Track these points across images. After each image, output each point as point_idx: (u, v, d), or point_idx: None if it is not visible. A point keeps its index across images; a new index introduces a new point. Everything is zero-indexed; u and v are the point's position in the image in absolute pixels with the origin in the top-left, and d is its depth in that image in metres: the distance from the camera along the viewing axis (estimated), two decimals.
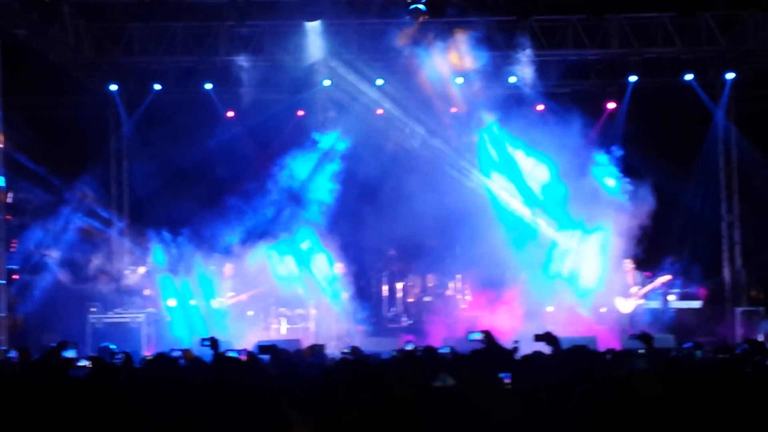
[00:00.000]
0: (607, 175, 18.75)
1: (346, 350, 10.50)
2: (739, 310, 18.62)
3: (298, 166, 19.61)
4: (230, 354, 9.06)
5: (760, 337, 16.39)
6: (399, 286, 20.02)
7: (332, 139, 19.92)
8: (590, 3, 18.30)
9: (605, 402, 4.38)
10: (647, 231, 17.89)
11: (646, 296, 17.77)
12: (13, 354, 9.64)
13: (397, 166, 19.42)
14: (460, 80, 19.32)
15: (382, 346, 13.74)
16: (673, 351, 11.62)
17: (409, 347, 10.87)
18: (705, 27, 18.73)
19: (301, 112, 20.30)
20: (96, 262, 18.65)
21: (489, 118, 19.38)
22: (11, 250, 17.85)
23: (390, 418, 5.00)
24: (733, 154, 20.18)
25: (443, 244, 19.80)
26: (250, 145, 20.30)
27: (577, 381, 5.52)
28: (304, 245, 18.72)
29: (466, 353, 7.62)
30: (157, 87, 19.85)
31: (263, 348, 8.84)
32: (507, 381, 6.20)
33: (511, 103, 19.32)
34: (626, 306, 17.66)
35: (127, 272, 18.88)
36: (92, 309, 17.57)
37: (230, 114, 20.37)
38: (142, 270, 18.65)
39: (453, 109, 19.92)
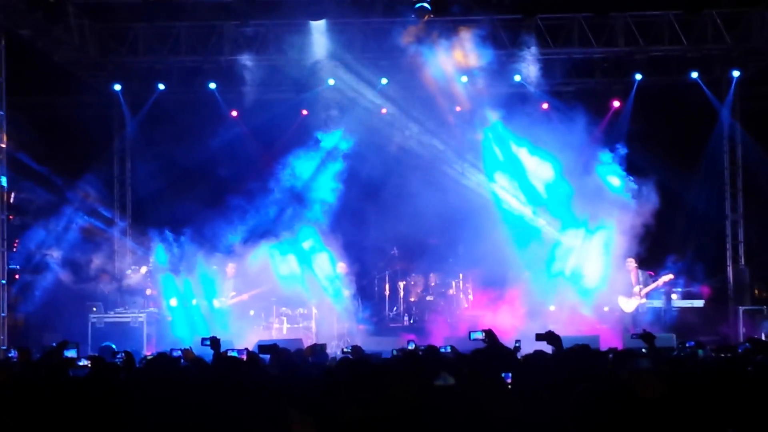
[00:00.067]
0: (611, 174, 18.72)
1: (347, 349, 10.49)
2: (742, 309, 18.57)
3: (301, 166, 19.61)
4: (231, 353, 9.05)
5: (763, 336, 16.36)
6: (401, 285, 20.00)
7: (335, 139, 19.91)
8: (596, 1, 18.29)
9: (605, 401, 4.36)
10: (651, 229, 17.87)
11: (648, 295, 17.74)
12: (13, 353, 9.63)
13: (400, 165, 19.42)
14: (464, 79, 19.30)
15: (384, 346, 13.73)
16: (675, 350, 11.58)
17: (411, 346, 10.84)
18: (711, 25, 18.69)
19: (305, 112, 20.29)
20: (97, 261, 18.67)
21: (493, 116, 19.35)
22: (13, 249, 17.88)
23: (391, 418, 4.98)
24: (738, 152, 20.13)
25: (445, 244, 19.80)
26: (254, 145, 20.30)
27: (578, 380, 5.50)
28: (306, 244, 18.71)
29: (467, 352, 7.59)
30: (161, 87, 19.86)
31: (263, 347, 8.82)
32: (508, 381, 6.18)
33: (516, 102, 19.31)
34: (629, 305, 17.63)
35: (128, 272, 18.90)
36: (93, 309, 17.57)
37: (234, 113, 20.37)
38: (143, 270, 18.65)
39: (458, 108, 19.90)
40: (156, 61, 19.59)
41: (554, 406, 5.31)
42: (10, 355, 9.98)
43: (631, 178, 18.62)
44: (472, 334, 9.16)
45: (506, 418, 5.09)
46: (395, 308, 20.01)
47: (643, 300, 17.66)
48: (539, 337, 8.68)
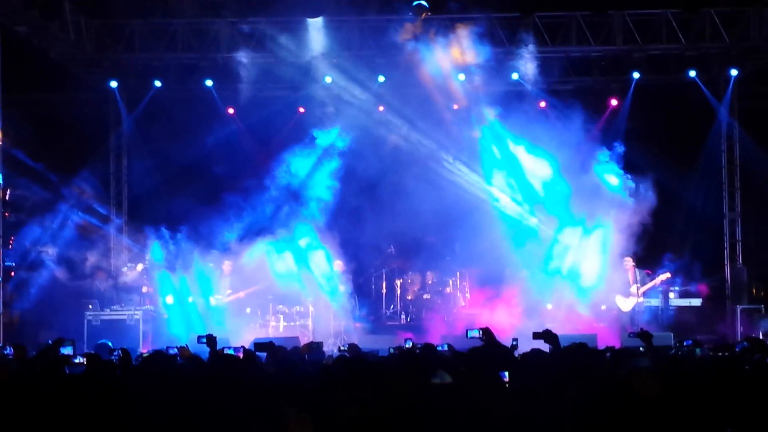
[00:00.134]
0: (609, 172, 18.71)
1: (344, 348, 10.48)
2: (739, 308, 18.57)
3: (297, 163, 19.57)
4: (227, 351, 9.02)
5: (761, 335, 16.35)
6: (398, 283, 19.99)
7: (332, 136, 19.87)
8: None
9: (601, 400, 4.33)
10: (648, 228, 17.86)
11: (646, 294, 17.73)
12: (9, 351, 9.60)
13: (396, 163, 19.39)
14: (462, 77, 19.27)
15: (381, 344, 13.72)
16: (672, 349, 11.57)
17: (408, 345, 10.82)
18: (709, 23, 18.68)
19: (301, 109, 20.26)
20: (93, 259, 18.63)
21: (491, 114, 19.32)
22: (8, 247, 17.83)
23: (388, 416, 4.96)
24: (736, 151, 20.12)
25: (442, 242, 19.79)
26: (250, 142, 20.26)
27: (575, 379, 5.48)
28: (303, 242, 18.68)
29: (464, 351, 7.57)
30: (158, 84, 19.81)
31: (259, 345, 8.79)
32: (505, 379, 6.15)
33: (514, 100, 19.29)
34: (626, 304, 17.63)
35: (124, 269, 18.86)
36: (89, 306, 17.54)
37: (230, 111, 20.33)
38: (140, 267, 18.62)
39: (455, 106, 19.87)
40: (152, 57, 19.55)
41: (551, 404, 5.29)
42: (5, 352, 9.95)
43: (629, 176, 18.60)
44: (469, 332, 9.15)
45: (503, 417, 5.07)
46: (392, 306, 19.98)
47: (641, 299, 17.65)
48: (536, 335, 8.66)
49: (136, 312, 17.46)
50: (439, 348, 9.18)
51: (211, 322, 17.16)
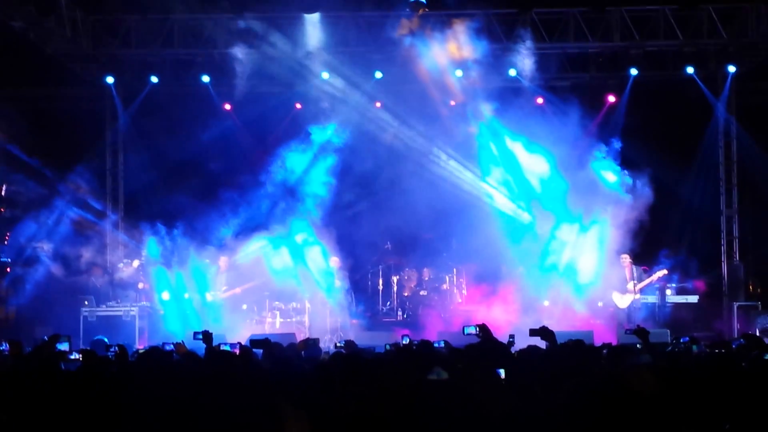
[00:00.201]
0: (606, 169, 18.70)
1: (340, 344, 10.46)
2: (736, 304, 18.59)
3: (293, 159, 19.54)
4: (224, 348, 9.00)
5: (758, 332, 16.37)
6: (394, 279, 19.97)
7: (328, 132, 19.84)
8: None
9: (597, 397, 4.32)
10: (645, 225, 17.87)
11: (643, 291, 17.74)
12: (4, 347, 9.56)
13: (393, 159, 19.38)
14: (459, 73, 19.25)
15: (377, 340, 13.71)
16: (669, 346, 11.57)
17: (405, 341, 10.81)
18: (707, 20, 18.68)
19: (298, 105, 20.23)
20: (89, 255, 18.59)
21: (488, 110, 19.30)
22: (4, 242, 17.80)
23: (384, 412, 4.94)
24: (733, 148, 20.11)
25: (439, 238, 19.79)
26: (247, 138, 20.23)
27: (572, 375, 5.47)
28: (299, 238, 18.66)
29: (461, 347, 7.56)
30: (154, 79, 19.77)
31: (255, 342, 8.76)
32: (502, 376, 6.15)
33: (511, 96, 19.27)
34: (623, 301, 17.63)
35: (120, 265, 18.82)
36: (85, 302, 17.50)
37: (227, 107, 20.29)
38: (135, 263, 18.58)
39: (452, 102, 19.84)
40: (149, 53, 19.51)
41: (548, 401, 5.28)
42: (1, 348, 9.91)
43: (626, 172, 18.60)
44: (465, 328, 9.13)
45: (500, 413, 5.06)
46: (388, 303, 19.98)
47: (638, 295, 17.66)
48: (533, 332, 8.64)
49: (132, 308, 17.42)
50: (436, 344, 9.16)
51: (208, 319, 17.14)
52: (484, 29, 18.61)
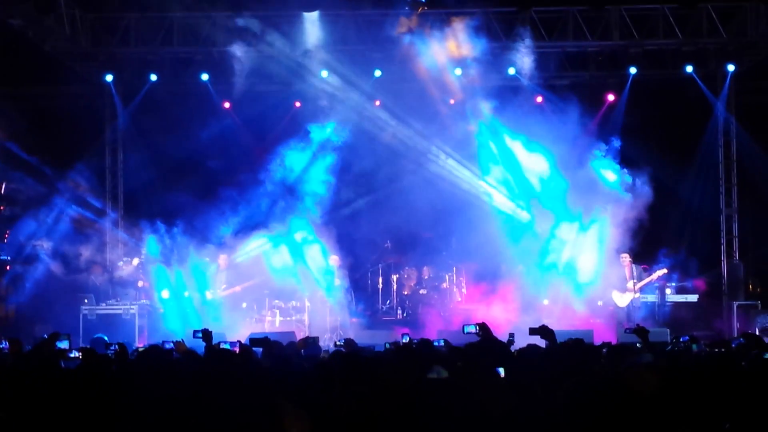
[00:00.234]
0: (606, 168, 18.71)
1: (340, 342, 10.46)
2: (736, 304, 18.59)
3: (293, 158, 19.53)
4: (223, 346, 9.00)
5: (757, 331, 16.37)
6: (394, 278, 19.97)
7: (328, 131, 19.83)
8: None
9: (596, 396, 4.32)
10: (645, 224, 17.87)
11: (642, 290, 17.74)
12: (4, 345, 9.56)
13: (393, 157, 19.38)
14: (458, 71, 19.24)
15: (377, 339, 13.71)
16: (669, 345, 11.56)
17: (405, 340, 10.81)
18: (706, 19, 18.68)
19: (297, 104, 20.22)
20: (88, 253, 18.57)
21: (487, 109, 19.30)
22: (3, 240, 17.79)
23: (384, 411, 4.95)
24: (733, 147, 20.10)
25: (439, 237, 19.79)
26: (246, 136, 20.22)
27: (571, 374, 5.47)
28: (299, 237, 18.66)
29: (460, 346, 7.56)
30: (153, 78, 19.76)
31: (255, 340, 8.76)
32: (501, 374, 6.15)
33: (510, 95, 19.26)
34: (623, 300, 17.64)
35: (120, 263, 18.80)
36: (85, 300, 17.50)
37: (226, 105, 20.28)
38: (135, 261, 18.56)
39: (451, 101, 19.83)
40: (148, 51, 19.50)
41: (547, 399, 5.28)
42: (1, 346, 9.91)
43: (626, 170, 18.61)
44: (465, 327, 9.13)
45: (499, 412, 5.06)
46: (388, 301, 19.98)
47: (637, 294, 17.66)
48: (533, 331, 8.65)
49: (132, 306, 17.42)
50: (436, 343, 9.14)
51: (207, 317, 17.13)
52: (483, 27, 18.61)
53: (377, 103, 19.97)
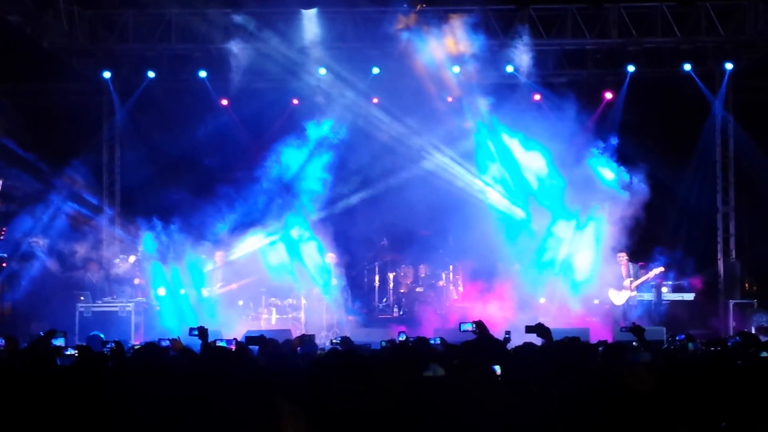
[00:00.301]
0: (603, 165, 18.71)
1: (336, 340, 10.45)
2: (732, 302, 18.60)
3: (290, 155, 19.51)
4: (219, 344, 8.99)
5: (753, 330, 16.38)
6: (390, 276, 19.96)
7: (325, 128, 19.81)
8: None
9: (591, 393, 4.32)
10: (642, 222, 17.87)
11: (639, 288, 17.74)
12: (0, 342, 9.55)
13: (390, 155, 19.37)
14: (456, 69, 19.23)
15: (373, 337, 13.68)
16: (665, 343, 11.58)
17: (402, 338, 10.81)
18: (704, 17, 18.67)
19: (295, 101, 20.20)
20: (84, 250, 18.54)
21: (485, 106, 19.29)
22: (0, 237, 17.76)
23: (380, 409, 4.94)
24: (730, 145, 20.09)
25: (435, 235, 19.78)
26: (244, 134, 20.20)
27: (568, 372, 5.48)
28: (295, 234, 18.65)
29: (457, 344, 7.57)
30: (151, 74, 19.73)
31: (251, 338, 8.76)
32: (498, 372, 6.15)
33: (508, 92, 19.26)
34: (619, 298, 17.64)
35: (117, 261, 18.78)
36: (81, 298, 17.47)
37: (224, 102, 20.26)
38: (132, 259, 18.54)
39: (449, 99, 19.82)
40: (146, 48, 19.48)
41: (543, 397, 5.28)
42: None
43: (623, 168, 18.61)
44: (462, 325, 9.14)
45: (496, 410, 5.06)
46: (385, 299, 19.97)
47: (634, 293, 17.66)
48: (529, 329, 8.66)
49: (128, 304, 17.39)
50: (432, 341, 9.15)
51: (203, 315, 17.12)
52: (482, 25, 18.60)
53: (375, 100, 19.95)
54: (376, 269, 20.04)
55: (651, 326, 15.20)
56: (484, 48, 18.57)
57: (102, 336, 14.60)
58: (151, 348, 8.27)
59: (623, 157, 18.91)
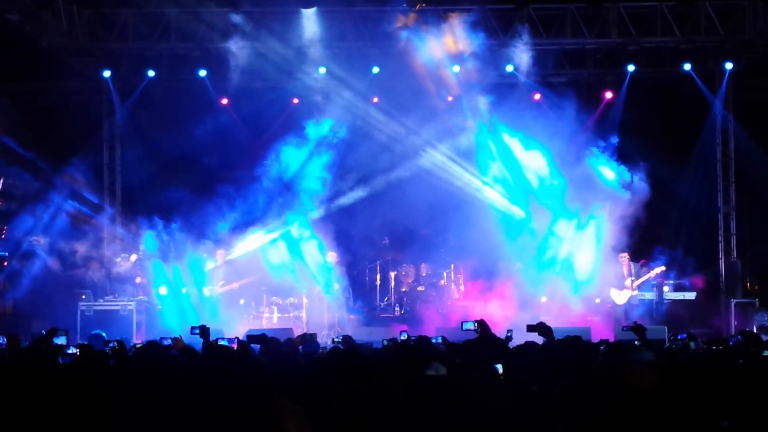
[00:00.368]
0: (604, 165, 18.72)
1: (337, 339, 10.46)
2: (733, 301, 18.61)
3: (291, 154, 19.52)
4: (221, 343, 8.99)
5: (755, 329, 16.38)
6: (392, 275, 19.96)
7: (325, 128, 19.81)
8: None
9: (593, 392, 4.32)
10: (643, 221, 17.87)
11: (640, 287, 17.74)
12: (1, 340, 9.55)
13: (390, 154, 19.37)
14: (456, 68, 19.22)
15: (374, 336, 13.70)
16: (666, 343, 11.57)
17: (404, 337, 10.81)
18: (704, 16, 18.67)
19: (295, 100, 20.20)
20: (86, 249, 18.54)
21: (485, 106, 19.28)
22: (1, 236, 17.76)
23: (382, 408, 4.94)
24: (731, 144, 20.09)
25: (436, 234, 19.78)
26: (244, 133, 20.20)
27: (569, 371, 5.48)
28: (296, 233, 18.65)
29: (458, 343, 7.57)
30: (151, 74, 19.73)
31: (252, 337, 8.75)
32: (499, 371, 6.15)
33: (508, 92, 19.26)
34: (621, 297, 17.64)
35: (118, 260, 18.79)
36: (82, 296, 17.48)
37: (224, 101, 20.26)
38: (133, 258, 18.55)
39: (449, 98, 19.82)
40: (145, 47, 19.47)
41: (545, 396, 5.28)
42: None
43: (624, 167, 18.62)
44: (464, 324, 9.14)
45: (497, 409, 5.06)
46: (386, 298, 19.97)
47: (635, 292, 17.66)
48: (530, 328, 8.66)
49: (130, 302, 17.40)
50: (434, 340, 9.16)
51: (205, 313, 17.12)
52: (481, 24, 18.60)
53: (375, 99, 19.95)
54: (378, 268, 20.04)
55: (652, 325, 15.22)
56: (484, 47, 18.57)
57: (103, 335, 14.61)
58: (152, 347, 8.27)
59: (624, 157, 18.92)
